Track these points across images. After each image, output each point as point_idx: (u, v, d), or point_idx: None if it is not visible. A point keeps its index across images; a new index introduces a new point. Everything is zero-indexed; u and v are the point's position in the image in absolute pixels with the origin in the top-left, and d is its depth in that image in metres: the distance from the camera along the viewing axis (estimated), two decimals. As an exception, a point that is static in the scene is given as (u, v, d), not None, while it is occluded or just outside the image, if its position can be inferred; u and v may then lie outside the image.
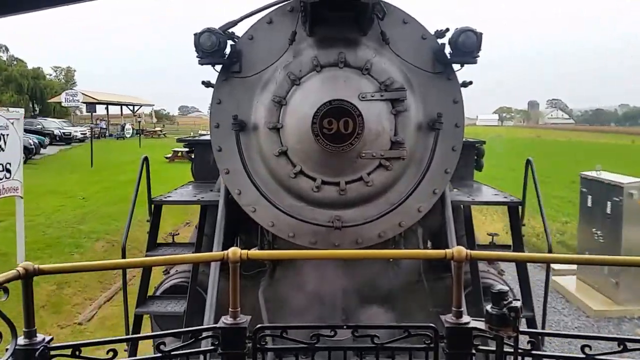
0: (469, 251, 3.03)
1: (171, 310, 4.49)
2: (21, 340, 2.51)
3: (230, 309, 2.87)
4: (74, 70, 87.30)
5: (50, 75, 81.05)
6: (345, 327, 3.08)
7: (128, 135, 52.04)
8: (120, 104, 64.61)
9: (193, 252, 4.63)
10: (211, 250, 4.29)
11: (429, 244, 5.35)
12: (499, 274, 5.29)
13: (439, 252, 3.11)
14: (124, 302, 4.41)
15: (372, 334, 3.04)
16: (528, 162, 4.92)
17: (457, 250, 3.02)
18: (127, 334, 4.38)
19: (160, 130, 57.76)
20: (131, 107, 62.53)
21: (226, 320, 2.86)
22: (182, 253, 4.69)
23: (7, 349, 2.46)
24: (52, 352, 2.53)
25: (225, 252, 2.88)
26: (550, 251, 4.70)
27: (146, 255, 4.65)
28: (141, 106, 64.41)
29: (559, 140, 68.16)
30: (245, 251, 2.91)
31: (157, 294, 4.86)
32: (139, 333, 4.54)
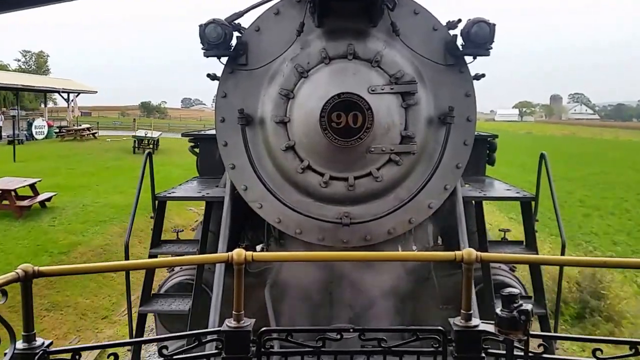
0: (479, 253, 2.92)
1: (176, 309, 4.45)
2: (20, 344, 2.47)
3: (234, 312, 2.80)
4: (47, 56, 72.67)
5: (19, 60, 69.22)
6: (352, 330, 3.00)
7: (40, 137, 35.20)
8: (32, 90, 41.65)
9: (198, 249, 4.57)
10: (216, 248, 4.22)
11: (440, 240, 5.25)
12: (511, 269, 5.17)
13: (448, 254, 3.00)
14: (127, 304, 4.38)
15: (379, 337, 2.96)
16: (542, 156, 4.78)
17: (467, 252, 2.91)
18: (131, 335, 4.35)
19: (89, 129, 40.36)
20: (65, 96, 41.02)
21: (230, 323, 2.80)
22: (187, 250, 4.64)
23: (5, 353, 2.42)
24: (52, 357, 2.48)
25: (230, 253, 2.80)
26: (563, 248, 4.58)
27: (150, 253, 4.61)
28: (79, 93, 42.26)
29: (605, 139, 59.36)
30: (250, 253, 2.83)
31: (162, 291, 4.82)
32: (143, 332, 4.51)
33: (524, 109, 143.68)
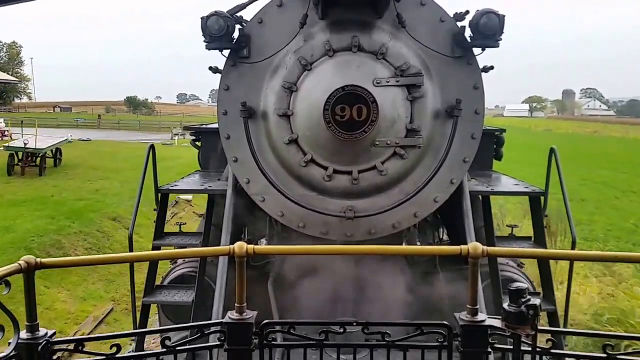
0: (485, 247, 2.88)
1: (179, 300, 4.46)
2: (24, 335, 2.48)
3: (236, 304, 2.79)
4: (20, 47, 65.83)
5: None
6: (355, 324, 2.98)
7: None
8: None
9: (201, 243, 4.57)
10: (219, 241, 4.22)
11: (446, 235, 5.20)
12: (519, 266, 5.11)
13: (454, 249, 2.97)
14: (132, 295, 4.39)
15: (383, 332, 2.94)
16: (552, 151, 4.71)
17: (473, 246, 2.87)
18: (135, 326, 4.37)
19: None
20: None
21: (232, 315, 2.79)
22: (190, 243, 4.65)
23: (9, 343, 2.43)
24: (55, 347, 2.49)
25: (232, 246, 2.79)
26: (574, 243, 4.51)
27: (153, 245, 4.62)
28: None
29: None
30: (252, 246, 2.82)
31: (165, 283, 4.83)
32: (147, 323, 4.54)
33: (535, 104, 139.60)
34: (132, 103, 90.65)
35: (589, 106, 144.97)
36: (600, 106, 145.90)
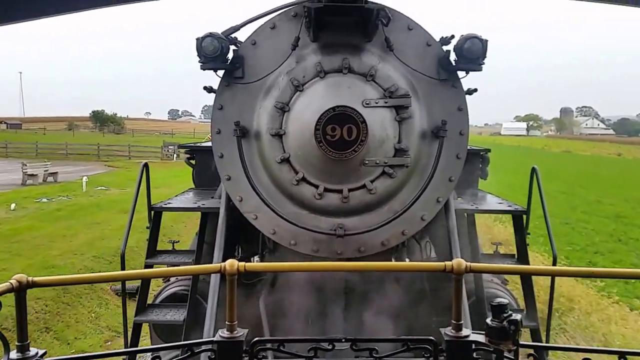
0: (468, 264, 2.97)
1: (171, 319, 4.46)
2: (14, 355, 2.47)
3: (226, 322, 2.82)
4: None
5: None
6: (344, 340, 3.03)
7: None
8: None
9: (193, 260, 4.59)
10: (212, 258, 4.25)
11: (433, 252, 5.29)
12: (503, 282, 5.21)
13: (439, 265, 3.05)
14: (123, 313, 4.38)
15: (371, 347, 2.99)
16: (533, 170, 4.85)
17: (457, 262, 2.95)
18: (126, 345, 4.35)
19: None
20: None
21: (223, 333, 2.82)
22: (182, 260, 4.66)
23: None
24: (46, 367, 2.49)
25: (222, 264, 2.83)
26: (555, 260, 4.63)
27: (145, 263, 4.63)
28: None
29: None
30: (242, 263, 2.86)
31: (157, 302, 4.83)
32: (138, 342, 4.52)
33: (531, 123, 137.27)
34: (98, 118, 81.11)
35: (587, 124, 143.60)
36: (598, 124, 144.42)
